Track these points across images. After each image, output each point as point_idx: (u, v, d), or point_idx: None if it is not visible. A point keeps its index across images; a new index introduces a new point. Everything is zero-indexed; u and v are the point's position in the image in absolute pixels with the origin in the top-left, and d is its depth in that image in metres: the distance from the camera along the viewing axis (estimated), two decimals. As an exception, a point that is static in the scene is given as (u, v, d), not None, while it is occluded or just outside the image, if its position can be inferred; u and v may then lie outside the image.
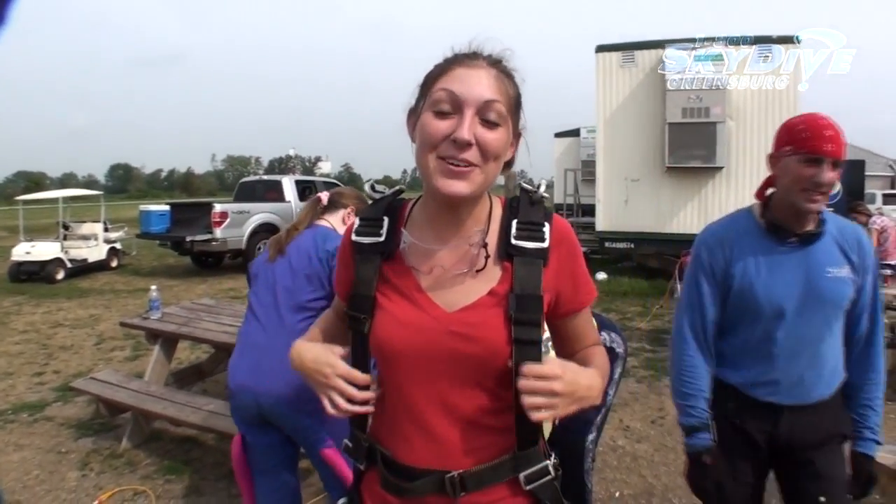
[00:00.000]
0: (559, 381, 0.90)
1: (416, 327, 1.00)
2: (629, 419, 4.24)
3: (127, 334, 6.45)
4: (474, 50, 1.00)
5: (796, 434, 1.68)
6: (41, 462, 3.67)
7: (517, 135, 1.04)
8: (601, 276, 9.68)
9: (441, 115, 0.95)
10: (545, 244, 1.02)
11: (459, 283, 1.02)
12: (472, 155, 0.94)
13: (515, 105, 1.00)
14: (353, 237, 1.10)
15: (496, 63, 0.98)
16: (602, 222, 9.77)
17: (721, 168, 8.83)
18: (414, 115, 1.02)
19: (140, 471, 3.53)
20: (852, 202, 7.45)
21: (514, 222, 1.03)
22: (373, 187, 1.18)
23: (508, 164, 1.04)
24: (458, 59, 0.98)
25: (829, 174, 1.56)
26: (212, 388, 4.79)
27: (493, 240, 1.03)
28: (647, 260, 10.00)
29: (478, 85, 0.94)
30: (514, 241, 1.01)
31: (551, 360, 0.96)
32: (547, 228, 1.03)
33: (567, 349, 1.13)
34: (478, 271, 1.02)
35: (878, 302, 1.70)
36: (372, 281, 1.05)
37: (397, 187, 1.18)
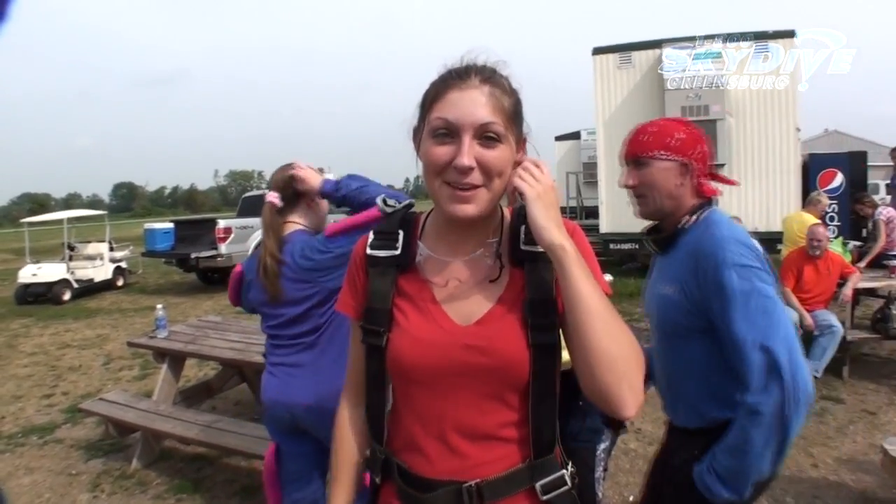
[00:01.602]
0: (543, 182, 0.96)
1: (431, 342, 1.01)
2: (640, 422, 4.21)
3: (135, 353, 6.46)
4: (466, 65, 0.99)
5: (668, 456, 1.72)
6: (52, 485, 3.67)
7: (522, 141, 1.04)
8: (606, 278, 9.61)
9: (441, 141, 0.96)
10: None
11: (473, 295, 1.03)
12: (475, 177, 0.95)
13: (514, 115, 0.99)
14: (369, 251, 1.10)
15: (488, 78, 0.98)
16: (605, 224, 9.77)
17: (723, 165, 8.76)
18: (417, 135, 1.03)
19: (151, 490, 3.53)
20: (856, 194, 7.42)
21: (523, 228, 1.03)
22: (385, 201, 1.19)
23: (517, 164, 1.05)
24: (450, 81, 0.98)
25: (627, 178, 1.60)
26: (221, 405, 4.80)
27: (504, 248, 1.05)
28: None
29: (472, 108, 0.94)
30: (523, 247, 1.02)
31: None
32: None
33: None
34: (491, 282, 1.03)
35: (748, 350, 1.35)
36: (388, 294, 1.06)
37: (408, 201, 1.20)
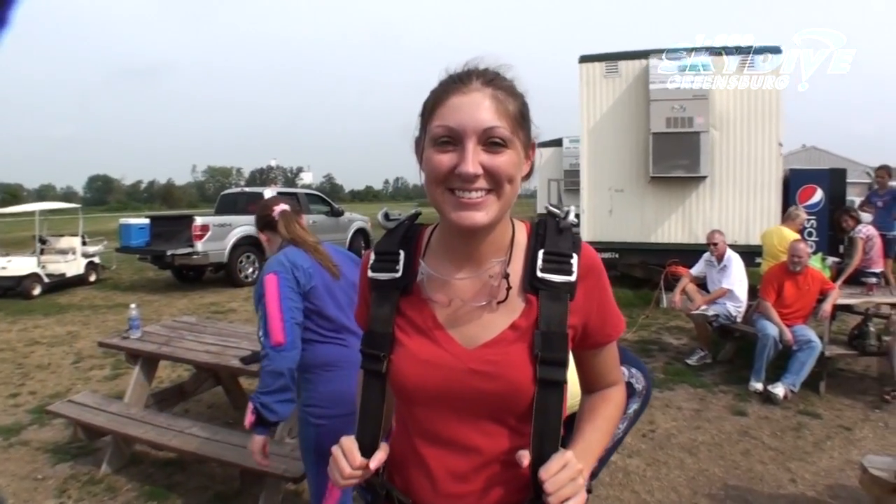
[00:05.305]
0: (575, 469, 0.91)
1: (434, 365, 0.97)
2: (620, 434, 4.18)
3: (106, 352, 6.28)
4: (467, 69, 0.94)
5: None
6: (16, 490, 3.53)
7: (531, 146, 0.99)
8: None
9: (443, 149, 0.90)
10: (573, 278, 0.97)
11: (479, 317, 0.98)
12: (482, 184, 0.89)
13: (520, 119, 0.94)
14: (370, 273, 1.05)
15: (491, 81, 0.92)
16: (586, 232, 9.74)
17: (705, 177, 8.86)
18: (419, 146, 0.97)
19: (121, 497, 3.41)
20: (844, 206, 7.48)
21: (541, 252, 0.98)
22: (387, 216, 1.12)
23: (527, 175, 1.00)
24: (451, 86, 0.92)
25: None
26: (194, 407, 4.70)
27: (516, 269, 0.99)
28: (631, 270, 10.00)
29: (475, 112, 0.89)
30: (539, 274, 0.97)
31: (557, 457, 0.92)
32: (575, 260, 0.98)
33: (587, 383, 1.11)
34: (498, 303, 0.97)
35: None
36: (389, 318, 1.01)
37: (414, 210, 1.13)
